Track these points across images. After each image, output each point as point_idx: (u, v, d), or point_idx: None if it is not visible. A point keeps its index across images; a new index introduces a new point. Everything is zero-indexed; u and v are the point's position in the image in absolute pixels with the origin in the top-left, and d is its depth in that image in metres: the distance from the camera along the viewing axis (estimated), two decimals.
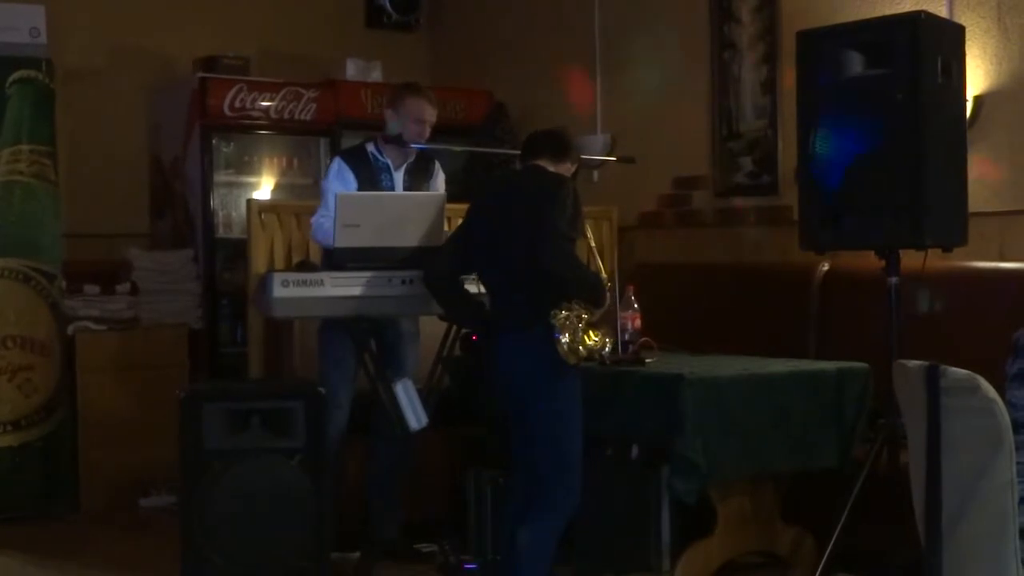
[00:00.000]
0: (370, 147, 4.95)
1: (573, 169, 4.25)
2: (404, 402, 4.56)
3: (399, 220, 4.55)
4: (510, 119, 7.09)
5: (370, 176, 4.85)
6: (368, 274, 4.46)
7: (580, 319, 3.89)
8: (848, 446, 4.44)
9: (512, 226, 4.04)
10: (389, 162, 4.91)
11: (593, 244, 4.15)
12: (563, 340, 3.87)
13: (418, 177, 4.95)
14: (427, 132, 4.89)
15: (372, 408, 4.76)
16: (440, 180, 5.05)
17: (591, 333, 3.90)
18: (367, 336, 4.72)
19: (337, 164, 4.90)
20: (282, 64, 7.11)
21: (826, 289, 5.30)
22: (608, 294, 4.06)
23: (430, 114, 4.88)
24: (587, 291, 3.95)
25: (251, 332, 5.54)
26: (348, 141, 6.49)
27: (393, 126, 4.90)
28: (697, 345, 4.97)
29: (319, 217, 4.81)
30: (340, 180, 4.82)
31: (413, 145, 4.86)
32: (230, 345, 6.58)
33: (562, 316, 3.87)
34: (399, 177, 4.92)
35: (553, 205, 3.92)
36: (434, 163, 5.05)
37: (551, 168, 4.14)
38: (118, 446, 6.03)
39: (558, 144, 4.22)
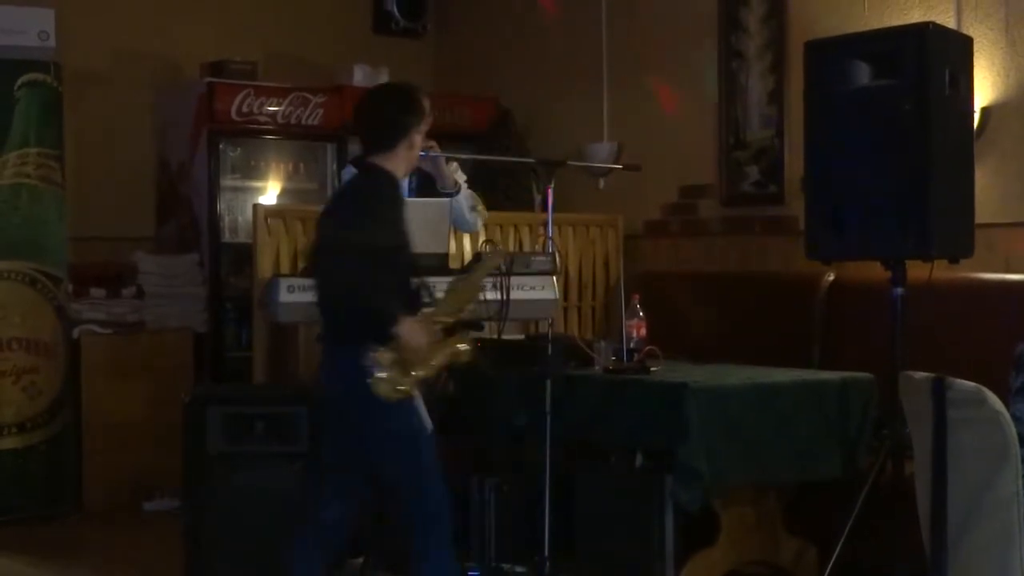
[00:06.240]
0: None
1: (422, 131, 3.82)
2: None
3: None
4: (516, 126, 7.10)
5: None
6: None
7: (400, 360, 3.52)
8: (852, 456, 4.43)
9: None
10: None
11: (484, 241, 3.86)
12: (381, 377, 3.52)
13: (427, 180, 4.92)
14: None
15: None
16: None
17: (416, 366, 3.55)
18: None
19: (349, 171, 4.88)
20: (289, 69, 7.13)
21: (831, 299, 5.30)
22: (404, 327, 3.54)
23: None
24: (368, 321, 3.51)
25: (256, 337, 5.53)
26: (355, 147, 6.49)
27: None
28: (702, 354, 4.96)
29: None
30: None
31: (420, 154, 4.84)
32: (235, 349, 6.59)
33: (385, 356, 3.52)
34: (405, 180, 4.91)
35: (362, 219, 3.62)
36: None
37: (382, 162, 3.78)
38: (122, 449, 6.04)
39: (377, 130, 3.78)
